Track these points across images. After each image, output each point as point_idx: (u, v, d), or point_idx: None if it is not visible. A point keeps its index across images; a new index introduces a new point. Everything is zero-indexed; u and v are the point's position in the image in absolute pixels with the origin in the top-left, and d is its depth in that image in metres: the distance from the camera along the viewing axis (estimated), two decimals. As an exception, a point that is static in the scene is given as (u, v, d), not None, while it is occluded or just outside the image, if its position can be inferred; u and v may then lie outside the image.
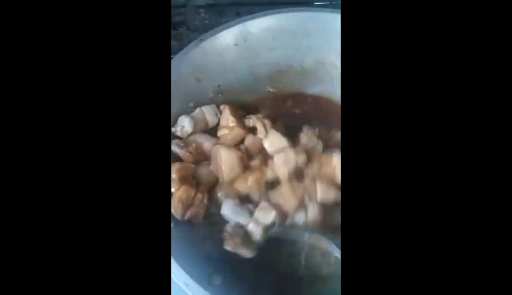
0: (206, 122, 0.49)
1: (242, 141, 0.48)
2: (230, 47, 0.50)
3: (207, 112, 0.49)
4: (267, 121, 0.48)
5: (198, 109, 0.48)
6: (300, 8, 0.51)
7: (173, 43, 0.68)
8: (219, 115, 0.50)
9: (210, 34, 0.48)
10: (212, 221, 0.44)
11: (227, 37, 0.49)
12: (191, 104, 0.50)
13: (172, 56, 0.51)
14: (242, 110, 0.52)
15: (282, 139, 0.46)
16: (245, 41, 0.51)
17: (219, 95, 0.52)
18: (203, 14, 0.70)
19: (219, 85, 0.52)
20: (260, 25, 0.50)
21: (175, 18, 0.70)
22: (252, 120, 0.48)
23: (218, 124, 0.49)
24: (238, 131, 0.48)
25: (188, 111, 0.49)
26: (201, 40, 0.48)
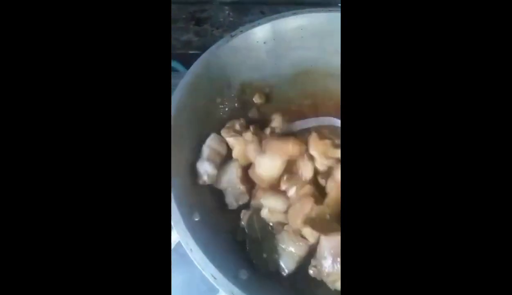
0: (220, 153, 0.47)
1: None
2: (259, 44, 0.51)
3: (215, 145, 0.46)
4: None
5: (205, 148, 0.46)
6: (329, 8, 0.51)
7: (197, 39, 0.69)
8: (225, 140, 0.47)
9: (241, 31, 0.49)
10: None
11: (257, 35, 0.50)
12: (218, 100, 0.50)
13: (194, 52, 0.51)
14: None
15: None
16: (274, 39, 0.51)
17: (243, 93, 0.52)
18: (227, 12, 0.71)
19: (243, 82, 0.52)
20: (289, 24, 0.51)
21: (199, 14, 0.71)
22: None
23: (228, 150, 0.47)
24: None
25: (214, 107, 0.49)
26: (232, 36, 0.48)
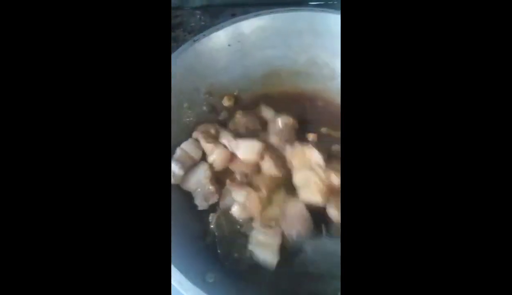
0: (192, 158, 0.47)
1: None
2: (223, 47, 0.51)
3: (189, 149, 0.47)
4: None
5: (178, 150, 0.47)
6: (292, 8, 0.52)
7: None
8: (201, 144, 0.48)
9: (204, 35, 0.49)
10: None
11: (221, 38, 0.50)
12: (186, 105, 0.50)
13: None
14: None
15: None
16: (239, 41, 0.51)
17: (211, 96, 0.52)
18: (199, 16, 0.71)
19: (211, 86, 0.52)
20: (253, 25, 0.51)
21: (172, 20, 0.70)
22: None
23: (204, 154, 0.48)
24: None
25: (183, 112, 0.50)
26: (195, 41, 0.49)
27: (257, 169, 0.47)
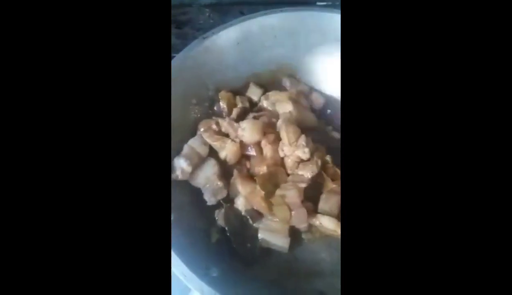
0: (199, 154, 0.48)
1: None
2: (232, 45, 0.51)
3: (196, 146, 0.48)
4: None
5: (186, 147, 0.47)
6: (300, 8, 0.52)
7: (178, 42, 0.69)
8: (207, 141, 0.49)
9: (213, 33, 0.50)
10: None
11: (230, 36, 0.50)
12: (194, 101, 0.51)
13: (176, 54, 0.52)
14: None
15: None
16: (247, 39, 0.52)
17: (218, 93, 0.53)
18: (207, 14, 0.71)
19: (219, 82, 0.52)
20: (261, 24, 0.51)
21: (180, 17, 0.71)
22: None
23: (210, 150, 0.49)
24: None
25: (190, 108, 0.50)
26: (204, 38, 0.49)
27: (260, 152, 0.47)
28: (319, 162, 0.45)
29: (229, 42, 0.51)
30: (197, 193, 0.47)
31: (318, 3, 0.69)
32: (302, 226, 0.44)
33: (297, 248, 0.45)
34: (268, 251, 0.44)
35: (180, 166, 0.46)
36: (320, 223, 0.44)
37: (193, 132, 0.50)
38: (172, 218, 0.41)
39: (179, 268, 0.38)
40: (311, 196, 0.45)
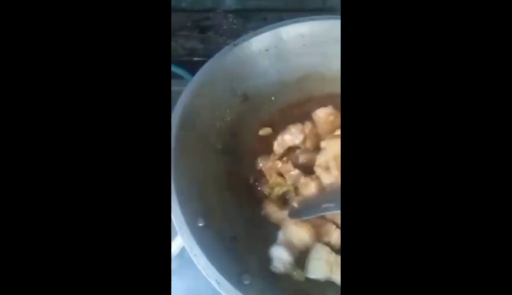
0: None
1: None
2: (261, 52, 0.51)
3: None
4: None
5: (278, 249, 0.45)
6: (329, 16, 0.52)
7: (201, 46, 0.70)
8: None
9: (244, 40, 0.50)
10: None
11: (260, 43, 0.51)
12: (225, 109, 0.51)
13: (198, 59, 0.53)
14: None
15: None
16: (276, 47, 0.52)
17: (246, 101, 0.53)
18: (231, 19, 0.72)
19: (247, 89, 0.53)
20: (291, 31, 0.51)
21: (203, 22, 0.72)
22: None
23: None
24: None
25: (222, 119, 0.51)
26: (235, 45, 0.49)
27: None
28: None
29: (259, 49, 0.51)
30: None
31: (342, 11, 0.69)
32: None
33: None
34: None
35: (280, 256, 0.44)
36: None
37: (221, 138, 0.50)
38: (201, 225, 0.42)
39: (212, 275, 0.38)
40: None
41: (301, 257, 0.45)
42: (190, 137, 0.45)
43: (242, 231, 0.45)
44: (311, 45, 0.52)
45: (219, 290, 0.37)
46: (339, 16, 0.52)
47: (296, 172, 0.48)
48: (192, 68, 0.54)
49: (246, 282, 0.39)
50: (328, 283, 0.43)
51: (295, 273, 0.43)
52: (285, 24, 0.51)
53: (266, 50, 0.52)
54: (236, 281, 0.38)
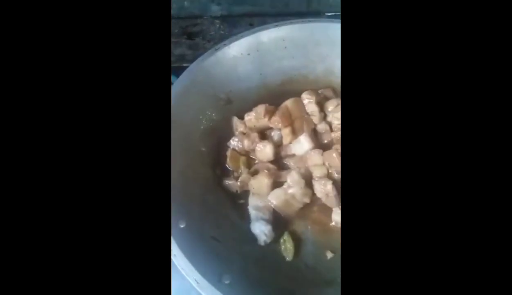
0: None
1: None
2: (243, 56, 0.52)
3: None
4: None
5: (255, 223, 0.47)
6: (309, 19, 0.53)
7: (189, 52, 0.71)
8: None
9: (225, 44, 0.51)
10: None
11: (241, 47, 0.52)
12: (208, 113, 0.52)
13: (187, 65, 0.53)
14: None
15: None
16: (257, 51, 0.53)
17: (230, 104, 0.54)
18: (218, 25, 0.73)
19: (230, 93, 0.54)
20: (272, 35, 0.53)
21: (191, 29, 0.73)
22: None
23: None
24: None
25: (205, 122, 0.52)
26: (216, 50, 0.50)
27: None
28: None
29: (240, 53, 0.52)
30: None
31: (327, 14, 0.70)
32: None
33: (307, 256, 0.45)
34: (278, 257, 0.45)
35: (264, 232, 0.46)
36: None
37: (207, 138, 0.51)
38: (182, 226, 0.42)
39: (192, 275, 0.38)
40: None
41: (276, 222, 0.47)
42: (173, 139, 0.46)
43: (223, 232, 0.45)
44: (292, 48, 0.53)
45: (198, 289, 0.38)
46: (320, 20, 0.54)
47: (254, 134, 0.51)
48: (181, 74, 0.55)
49: (227, 282, 0.39)
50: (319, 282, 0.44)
51: (282, 240, 0.46)
52: (266, 28, 0.52)
53: (248, 54, 0.53)
54: (216, 281, 0.39)
